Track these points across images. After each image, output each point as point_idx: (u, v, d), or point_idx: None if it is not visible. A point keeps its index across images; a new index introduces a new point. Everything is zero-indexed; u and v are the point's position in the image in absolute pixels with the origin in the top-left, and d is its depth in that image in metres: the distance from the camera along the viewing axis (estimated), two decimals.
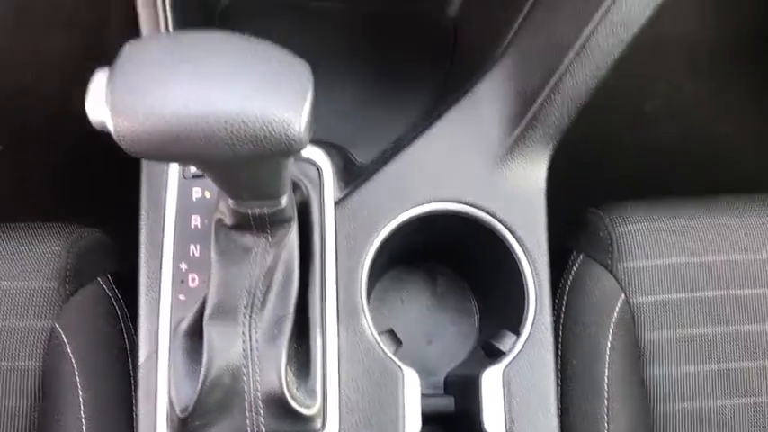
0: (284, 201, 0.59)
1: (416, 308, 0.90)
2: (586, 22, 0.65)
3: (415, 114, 0.90)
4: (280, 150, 0.47)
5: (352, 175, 0.78)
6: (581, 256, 0.90)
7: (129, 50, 0.48)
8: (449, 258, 0.90)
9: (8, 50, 1.73)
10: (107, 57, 1.49)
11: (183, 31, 0.49)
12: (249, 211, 0.58)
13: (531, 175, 0.75)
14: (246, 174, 0.53)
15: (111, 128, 0.46)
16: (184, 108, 0.45)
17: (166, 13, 0.77)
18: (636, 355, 0.86)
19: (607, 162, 1.74)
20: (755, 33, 1.90)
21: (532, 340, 0.70)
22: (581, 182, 1.63)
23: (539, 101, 0.71)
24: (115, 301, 0.85)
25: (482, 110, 0.76)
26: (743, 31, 1.91)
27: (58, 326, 0.81)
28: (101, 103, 0.47)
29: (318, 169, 0.72)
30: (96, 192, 1.56)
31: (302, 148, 0.49)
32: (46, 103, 1.66)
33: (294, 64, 0.49)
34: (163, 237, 0.69)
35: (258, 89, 0.46)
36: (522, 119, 0.73)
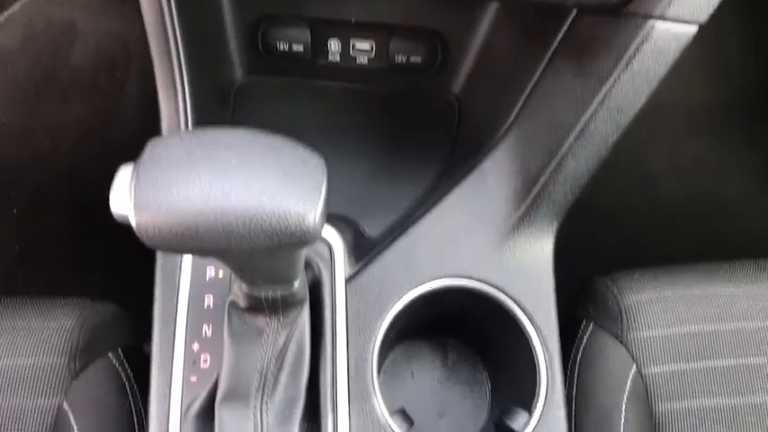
0: (297, 283, 0.61)
1: (427, 381, 0.90)
2: (585, 108, 0.68)
3: (423, 187, 0.93)
4: (295, 242, 0.49)
5: (363, 249, 0.80)
6: (591, 326, 0.90)
7: (152, 149, 0.50)
8: (459, 331, 0.91)
9: (29, 118, 1.79)
10: (123, 124, 1.55)
11: (203, 129, 0.52)
12: (263, 295, 0.60)
13: (537, 249, 0.77)
14: (261, 262, 0.54)
15: (133, 222, 0.49)
16: (204, 204, 0.47)
17: (185, 91, 0.81)
18: (650, 426, 0.85)
19: (612, 223, 1.75)
20: (752, 93, 1.94)
21: (545, 419, 0.70)
22: (586, 244, 1.64)
23: (542, 180, 0.73)
24: (125, 377, 0.84)
25: (488, 187, 0.78)
26: (739, 92, 1.95)
27: (65, 404, 0.80)
28: (124, 198, 0.49)
29: (330, 247, 0.74)
30: (110, 261, 1.58)
31: (316, 239, 0.51)
32: (62, 171, 1.70)
33: (308, 158, 0.51)
34: (176, 316, 0.71)
35: (274, 185, 0.48)
36: (527, 196, 0.75)
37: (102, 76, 1.86)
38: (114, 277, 1.51)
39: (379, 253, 0.76)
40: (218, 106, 0.95)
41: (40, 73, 1.86)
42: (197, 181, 0.47)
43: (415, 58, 0.96)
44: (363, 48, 0.97)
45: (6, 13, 1.94)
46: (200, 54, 0.86)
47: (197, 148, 0.49)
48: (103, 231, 1.55)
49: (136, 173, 0.49)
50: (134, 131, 1.77)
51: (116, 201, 0.50)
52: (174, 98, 0.78)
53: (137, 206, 0.48)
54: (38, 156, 1.75)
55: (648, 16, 0.62)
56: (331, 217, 0.78)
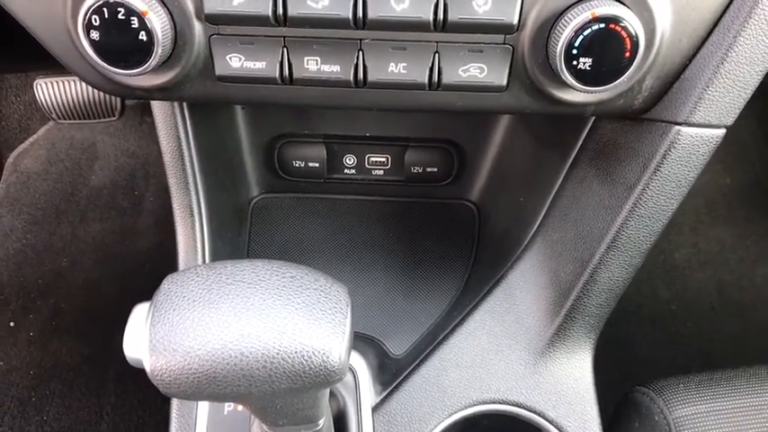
0: (322, 422, 0.56)
1: None
2: (615, 216, 0.66)
3: (447, 300, 0.89)
4: (319, 382, 0.45)
5: (389, 372, 0.75)
6: None
7: (168, 286, 0.48)
8: None
9: (48, 237, 1.81)
10: (140, 240, 1.54)
11: (221, 263, 0.49)
12: None
13: (575, 366, 0.72)
14: (284, 403, 0.50)
15: (147, 367, 0.45)
16: (222, 348, 0.44)
17: (201, 215, 0.79)
18: None
19: (641, 319, 1.69)
20: (765, 177, 1.94)
21: None
22: (616, 344, 1.58)
23: (574, 293, 0.69)
24: None
25: (517, 301, 0.74)
26: (757, 178, 1.94)
27: None
28: (139, 341, 0.46)
29: (354, 374, 0.69)
30: (125, 388, 1.52)
31: (342, 378, 0.47)
32: (79, 291, 1.69)
33: (330, 289, 0.48)
34: None
35: (295, 322, 0.45)
36: (561, 310, 0.71)
37: (120, 194, 1.90)
38: (129, 406, 1.45)
39: (407, 378, 0.71)
40: (235, 224, 0.94)
41: (60, 194, 1.91)
42: (214, 323, 0.44)
43: (431, 169, 0.95)
44: (379, 161, 0.97)
45: (31, 138, 2.02)
46: (217, 176, 0.86)
47: (214, 284, 0.47)
48: (119, 357, 1.51)
49: (151, 314, 0.46)
50: (151, 248, 1.77)
51: (129, 344, 0.47)
52: (190, 222, 0.77)
53: (151, 350, 0.45)
54: (56, 276, 1.75)
55: (673, 122, 0.60)
56: (354, 337, 0.74)
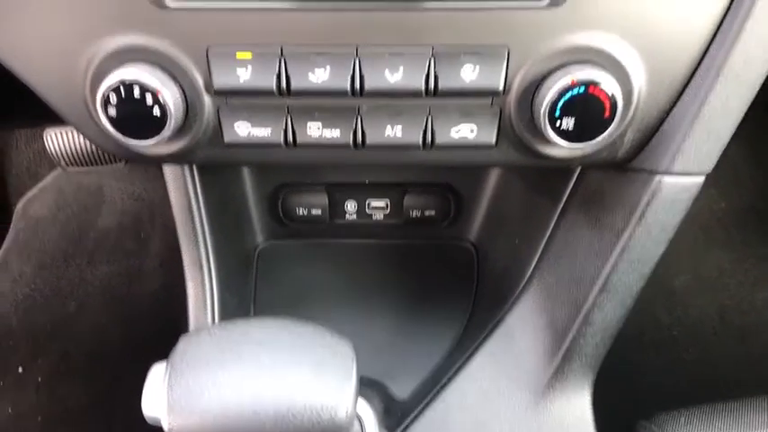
0: None
1: None
2: (605, 261, 0.69)
3: (449, 341, 0.92)
4: None
5: (394, 416, 0.77)
6: None
7: (184, 347, 0.51)
8: None
9: (56, 281, 1.84)
10: (147, 282, 1.56)
11: (233, 323, 0.52)
12: None
13: (575, 405, 0.74)
14: None
15: (165, 426, 0.48)
16: (237, 407, 0.47)
17: (210, 267, 0.83)
18: None
19: (642, 346, 1.70)
20: (765, 202, 1.96)
21: None
22: (617, 372, 1.59)
23: (571, 334, 0.72)
24: None
25: (516, 343, 0.77)
26: (752, 202, 1.97)
27: None
28: (157, 401, 0.49)
29: (361, 422, 0.72)
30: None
31: (350, 429, 0.50)
32: (86, 335, 1.71)
33: (337, 346, 0.51)
34: None
35: (305, 380, 0.48)
36: (558, 352, 0.74)
37: (126, 237, 1.93)
38: None
39: (412, 422, 0.74)
40: (242, 273, 0.97)
41: (68, 238, 1.94)
42: (228, 383, 0.47)
43: (430, 212, 0.99)
44: (379, 205, 1.00)
45: (40, 185, 2.06)
46: (224, 227, 0.90)
47: (227, 344, 0.50)
48: (126, 401, 1.53)
49: (168, 374, 0.49)
50: (158, 290, 1.80)
51: (148, 403, 0.50)
52: (200, 277, 0.80)
53: (170, 410, 0.48)
54: (64, 319, 1.77)
55: (655, 172, 0.64)
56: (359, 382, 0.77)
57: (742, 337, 1.75)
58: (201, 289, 0.80)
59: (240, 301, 0.93)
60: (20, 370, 1.66)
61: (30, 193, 2.05)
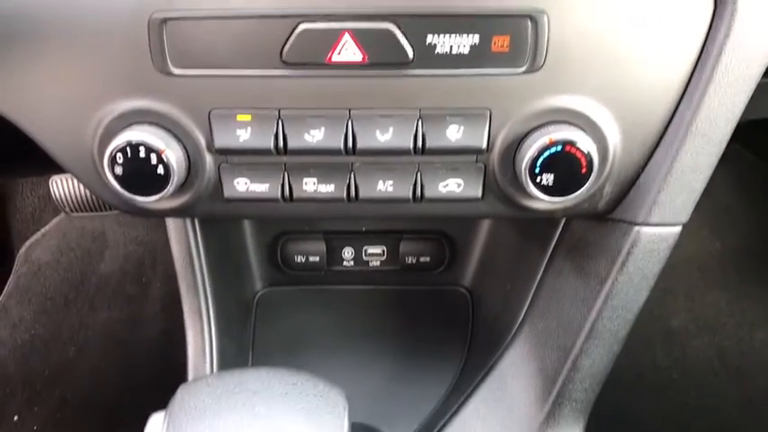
0: None
1: None
2: (590, 308, 0.72)
3: (444, 386, 0.93)
4: None
5: None
6: None
7: (182, 396, 0.53)
8: None
9: (56, 327, 1.84)
10: (147, 328, 1.56)
11: (229, 373, 0.55)
12: None
13: None
14: None
15: None
16: None
17: (210, 315, 0.86)
18: None
19: (643, 390, 1.70)
20: (759, 241, 1.98)
21: None
22: (618, 414, 1.58)
23: (560, 380, 0.74)
24: None
25: (508, 389, 0.79)
26: (746, 241, 1.99)
27: None
28: None
29: None
30: None
31: None
32: (85, 382, 1.71)
33: (329, 395, 0.54)
34: None
35: (298, 428, 0.50)
36: (548, 397, 0.75)
37: (128, 282, 1.95)
38: None
39: None
40: (240, 320, 1.00)
41: (70, 283, 1.96)
42: None
43: (425, 258, 1.02)
44: (375, 252, 1.03)
45: (43, 230, 2.09)
46: (224, 275, 0.92)
47: (223, 394, 0.52)
48: None
49: (166, 423, 0.51)
50: (158, 335, 1.81)
51: None
52: (199, 326, 0.83)
53: None
54: (63, 366, 1.77)
55: (633, 223, 0.67)
56: (354, 427, 0.78)
57: (742, 378, 1.74)
58: (201, 337, 0.83)
59: (239, 347, 0.95)
60: (15, 418, 1.65)
61: (33, 238, 2.08)
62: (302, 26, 0.58)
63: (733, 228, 2.02)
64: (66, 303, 1.92)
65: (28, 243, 2.08)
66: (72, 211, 1.87)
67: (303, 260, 1.02)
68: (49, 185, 1.80)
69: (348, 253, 1.04)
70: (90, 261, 2.03)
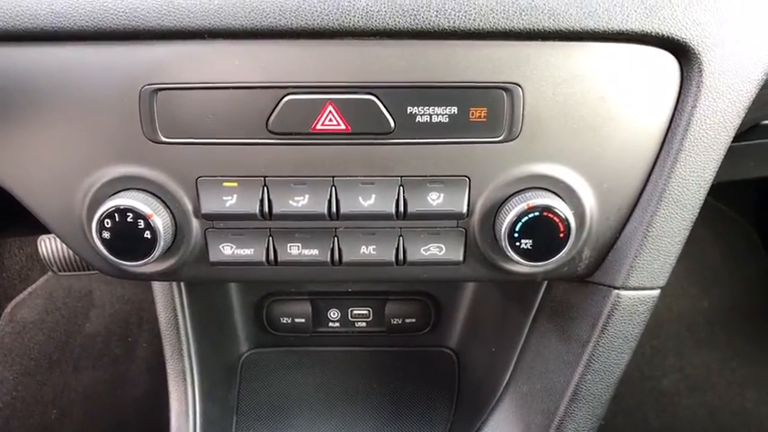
0: None
1: None
2: (573, 371, 0.72)
3: None
4: None
5: None
6: None
7: None
8: None
9: (39, 388, 1.80)
10: (131, 389, 1.53)
11: None
12: None
13: None
14: None
15: None
16: None
17: (194, 376, 0.85)
18: None
19: None
20: (746, 300, 1.99)
21: None
22: None
23: None
24: None
25: None
26: (733, 300, 2.00)
27: None
28: None
29: None
30: None
31: None
32: None
33: None
34: None
35: None
36: None
37: (113, 341, 1.92)
38: None
39: None
40: (225, 382, 0.99)
41: (54, 343, 1.93)
42: None
43: (410, 320, 1.02)
44: (361, 313, 1.04)
45: (30, 288, 2.07)
46: (209, 337, 0.92)
47: None
48: None
49: None
50: (143, 397, 1.77)
51: None
52: (183, 387, 0.82)
53: None
54: (44, 429, 1.72)
55: (612, 286, 0.69)
56: None
57: None
58: (184, 400, 0.82)
59: (223, 409, 0.94)
60: None
61: (19, 297, 2.06)
62: (288, 97, 0.61)
63: (719, 285, 2.04)
64: (50, 364, 1.89)
65: (14, 302, 2.06)
66: (60, 270, 1.86)
67: (289, 322, 1.02)
68: (36, 244, 1.80)
69: (334, 314, 1.04)
70: (76, 320, 2.01)
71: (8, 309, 2.01)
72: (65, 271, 1.88)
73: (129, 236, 0.63)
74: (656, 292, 0.69)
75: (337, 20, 0.57)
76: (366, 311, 1.03)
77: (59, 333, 1.95)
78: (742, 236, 2.07)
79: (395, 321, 1.02)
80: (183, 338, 0.83)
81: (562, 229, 0.62)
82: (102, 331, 1.96)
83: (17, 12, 0.58)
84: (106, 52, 0.60)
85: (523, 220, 0.62)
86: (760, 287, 2.01)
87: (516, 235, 0.62)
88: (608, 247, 0.68)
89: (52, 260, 1.84)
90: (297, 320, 1.02)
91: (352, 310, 1.03)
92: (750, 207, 2.06)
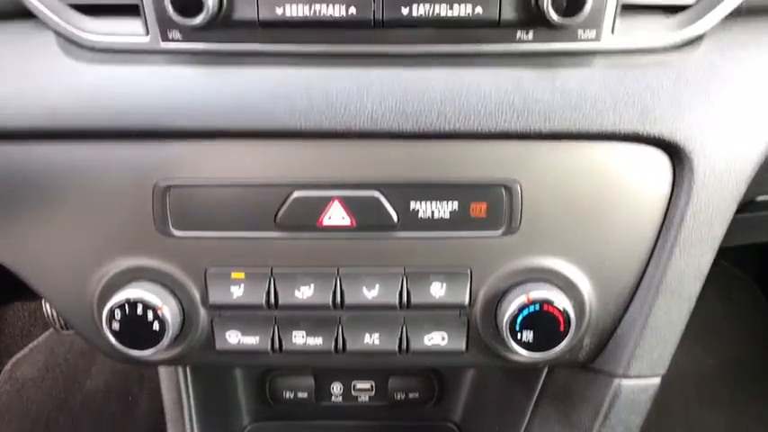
0: None
1: None
2: None
3: None
4: None
5: None
6: None
7: None
8: None
9: None
10: None
11: None
12: None
13: None
14: None
15: None
16: None
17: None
18: None
19: None
20: (751, 357, 1.98)
21: None
22: None
23: None
24: None
25: None
26: (738, 357, 1.99)
27: None
28: None
29: None
30: None
31: None
32: None
33: None
34: None
35: None
36: None
37: (113, 400, 1.90)
38: None
39: None
40: None
41: (53, 401, 1.90)
42: None
43: (414, 394, 1.02)
44: (364, 387, 1.04)
45: (31, 345, 2.06)
46: (212, 412, 0.92)
47: None
48: None
49: None
50: None
51: None
52: None
53: None
54: None
55: (613, 375, 0.69)
56: None
57: None
58: None
59: None
60: None
61: (20, 354, 2.05)
62: (296, 194, 0.63)
63: (722, 344, 2.02)
64: (48, 425, 1.87)
65: (14, 359, 2.05)
66: (62, 328, 1.86)
67: (292, 396, 1.02)
68: (41, 303, 1.80)
69: (337, 388, 1.04)
70: (76, 378, 1.99)
71: (8, 366, 2.00)
72: (68, 329, 1.88)
73: (138, 326, 0.64)
74: (657, 380, 0.70)
75: (344, 123, 0.60)
76: (369, 385, 1.04)
77: (59, 391, 1.93)
78: (745, 292, 2.07)
79: (398, 396, 1.02)
80: (187, 416, 0.83)
81: (562, 322, 0.64)
82: (102, 387, 1.94)
83: (39, 112, 0.61)
84: (121, 150, 0.63)
85: (524, 313, 0.63)
86: (764, 343, 1.99)
87: (517, 328, 0.64)
88: (608, 334, 0.69)
89: (56, 318, 1.84)
90: (300, 394, 1.02)
91: (355, 384, 1.03)
92: (752, 263, 2.07)
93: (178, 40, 0.60)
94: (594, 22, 0.59)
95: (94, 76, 0.61)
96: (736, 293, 2.08)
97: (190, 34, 0.60)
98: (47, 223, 0.66)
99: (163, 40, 0.60)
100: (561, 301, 0.63)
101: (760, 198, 0.91)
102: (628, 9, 0.60)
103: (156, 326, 0.64)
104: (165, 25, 0.59)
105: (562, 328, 0.64)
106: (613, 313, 0.68)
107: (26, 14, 0.62)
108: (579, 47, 0.61)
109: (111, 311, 0.64)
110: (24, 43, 0.63)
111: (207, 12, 0.55)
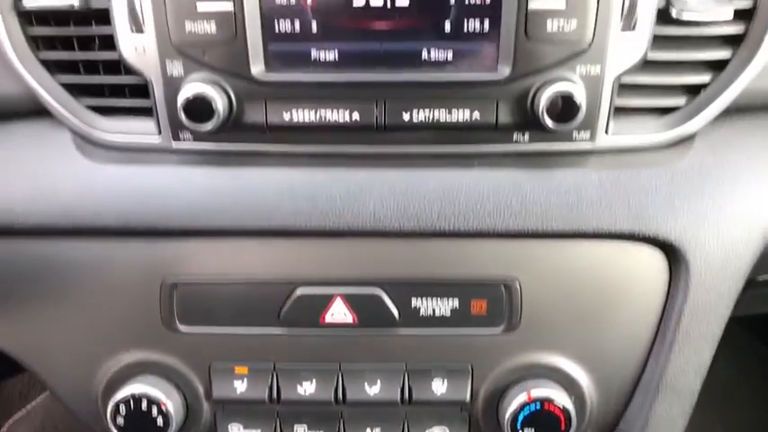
0: None
1: None
2: None
3: None
4: None
5: None
6: None
7: None
8: None
9: None
10: None
11: None
12: None
13: None
14: None
15: None
16: None
17: None
18: None
19: None
20: (754, 421, 1.94)
21: None
22: None
23: None
24: None
25: None
26: (740, 420, 1.94)
27: None
28: None
29: None
30: None
31: None
32: None
33: None
34: None
35: None
36: None
37: None
38: None
39: None
40: None
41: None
42: None
43: None
44: None
45: (29, 406, 2.04)
46: None
47: None
48: None
49: None
50: None
51: None
52: None
53: None
54: None
55: None
56: None
57: None
58: None
59: None
60: None
61: (17, 416, 2.02)
62: (299, 291, 0.65)
63: (732, 407, 1.99)
64: None
65: (11, 420, 2.02)
66: None
67: None
68: None
69: None
70: None
71: (5, 428, 1.97)
72: None
73: (142, 421, 0.65)
74: None
75: (347, 223, 0.62)
76: None
77: None
78: (754, 354, 2.05)
79: None
80: None
81: (563, 420, 0.64)
82: None
83: (53, 210, 0.63)
84: (130, 247, 0.65)
85: (525, 412, 0.63)
86: None
87: (518, 425, 0.64)
88: (611, 428, 0.69)
89: None
90: None
91: None
92: (760, 325, 2.05)
93: (189, 140, 0.63)
94: (589, 123, 0.61)
95: (107, 176, 0.63)
96: (745, 356, 2.05)
97: (200, 135, 0.62)
98: (55, 316, 0.67)
99: (174, 140, 0.63)
100: (562, 399, 0.64)
101: (761, 278, 0.92)
102: (621, 110, 0.62)
103: (159, 421, 0.64)
104: (176, 128, 0.62)
105: (563, 426, 0.64)
106: (615, 410, 0.68)
107: (43, 113, 0.65)
108: (574, 147, 0.63)
109: (116, 406, 0.64)
110: (41, 141, 0.66)
111: (218, 118, 0.58)
